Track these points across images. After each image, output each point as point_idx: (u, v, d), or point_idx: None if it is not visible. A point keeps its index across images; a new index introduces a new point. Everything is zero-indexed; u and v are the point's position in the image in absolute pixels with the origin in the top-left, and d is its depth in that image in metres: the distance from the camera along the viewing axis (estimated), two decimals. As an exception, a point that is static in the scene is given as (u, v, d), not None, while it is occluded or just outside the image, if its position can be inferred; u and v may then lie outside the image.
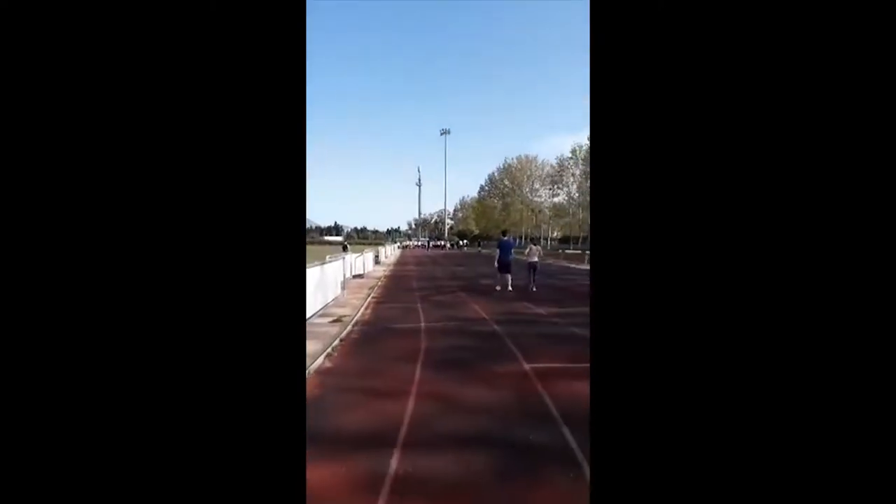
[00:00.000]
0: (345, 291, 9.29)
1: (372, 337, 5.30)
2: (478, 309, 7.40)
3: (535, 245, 11.85)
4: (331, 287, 7.99)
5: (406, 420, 2.77)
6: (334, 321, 6.31)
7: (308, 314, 6.20)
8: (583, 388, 3.23)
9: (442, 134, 62.73)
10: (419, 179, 69.02)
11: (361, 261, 14.80)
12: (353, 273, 13.98)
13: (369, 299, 8.65)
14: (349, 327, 5.81)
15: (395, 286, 11.40)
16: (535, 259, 10.50)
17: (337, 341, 4.96)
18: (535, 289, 9.97)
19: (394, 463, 2.22)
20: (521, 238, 51.10)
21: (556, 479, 2.09)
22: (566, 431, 2.60)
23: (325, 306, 7.41)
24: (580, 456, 2.30)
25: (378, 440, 2.47)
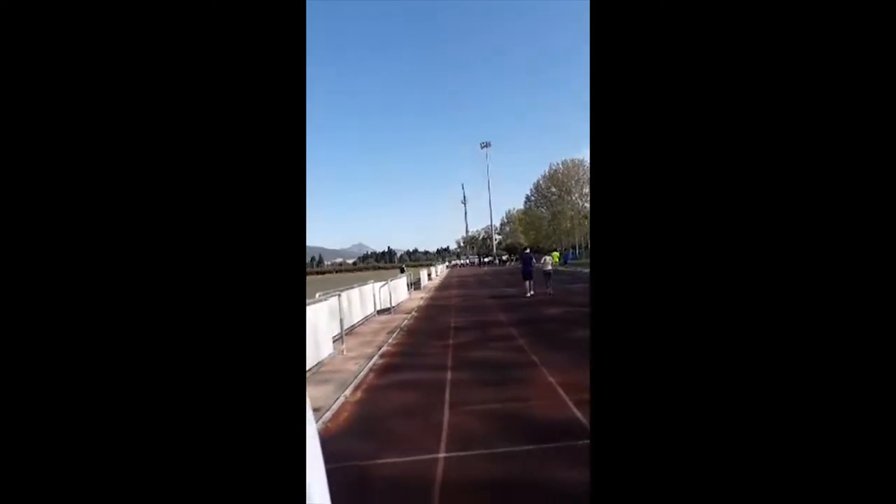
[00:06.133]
0: (343, 346, 6.25)
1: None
2: (554, 384, 3.99)
3: (548, 256, 14.06)
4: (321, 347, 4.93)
5: None
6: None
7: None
8: None
9: (483, 147, 59.24)
10: (464, 197, 65.15)
11: (387, 291, 11.77)
12: (379, 307, 11.02)
13: (375, 360, 5.52)
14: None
15: (426, 327, 8.17)
16: (549, 268, 13.06)
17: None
18: (551, 292, 12.15)
19: None
20: (574, 248, 46.66)
21: None
22: None
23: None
24: None
25: None
